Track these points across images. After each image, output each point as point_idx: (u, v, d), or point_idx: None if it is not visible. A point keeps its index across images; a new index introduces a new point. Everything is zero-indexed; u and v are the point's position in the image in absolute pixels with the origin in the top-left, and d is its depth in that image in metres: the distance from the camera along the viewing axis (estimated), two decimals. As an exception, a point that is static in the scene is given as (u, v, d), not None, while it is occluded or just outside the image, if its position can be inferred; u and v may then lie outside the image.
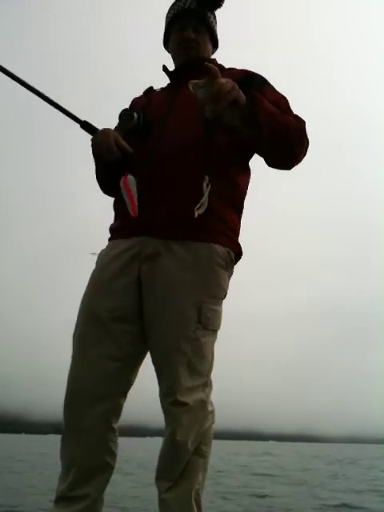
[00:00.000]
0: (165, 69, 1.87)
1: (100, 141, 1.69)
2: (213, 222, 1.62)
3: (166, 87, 1.89)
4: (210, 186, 1.59)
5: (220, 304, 1.65)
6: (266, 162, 1.69)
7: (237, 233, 1.73)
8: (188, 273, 1.58)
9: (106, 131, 1.71)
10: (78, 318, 1.68)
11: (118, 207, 1.75)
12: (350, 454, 20.48)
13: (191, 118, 1.68)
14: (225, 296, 1.67)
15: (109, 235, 1.78)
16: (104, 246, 1.77)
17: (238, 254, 1.73)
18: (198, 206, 1.56)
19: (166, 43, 1.92)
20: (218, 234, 1.64)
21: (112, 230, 1.77)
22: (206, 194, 1.58)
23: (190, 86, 1.46)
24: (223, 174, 1.67)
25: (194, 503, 1.56)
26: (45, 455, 12.19)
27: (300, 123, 1.64)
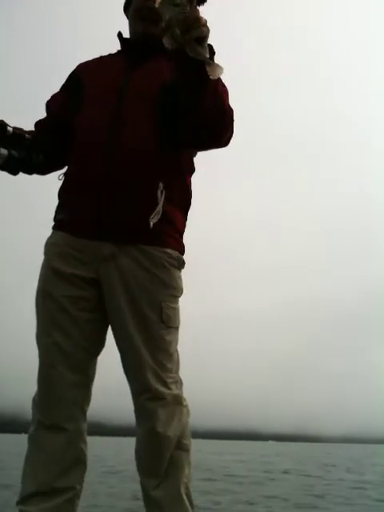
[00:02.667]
0: (120, 35, 1.76)
1: None
2: (164, 227, 1.61)
3: (118, 58, 1.75)
4: (164, 193, 1.59)
5: (177, 302, 1.67)
6: (187, 135, 1.58)
7: (182, 235, 1.72)
8: (146, 273, 1.59)
9: None
10: (39, 309, 1.64)
11: (65, 196, 1.69)
12: (339, 454, 20.02)
13: (144, 113, 1.61)
14: (181, 294, 1.68)
15: (53, 223, 1.70)
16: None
17: (182, 253, 1.70)
18: (152, 215, 1.56)
19: (127, 8, 1.75)
20: (169, 237, 1.64)
21: (60, 221, 1.69)
22: (161, 204, 1.58)
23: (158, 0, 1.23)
24: (175, 175, 1.65)
25: (185, 498, 1.56)
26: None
27: (231, 107, 1.53)
